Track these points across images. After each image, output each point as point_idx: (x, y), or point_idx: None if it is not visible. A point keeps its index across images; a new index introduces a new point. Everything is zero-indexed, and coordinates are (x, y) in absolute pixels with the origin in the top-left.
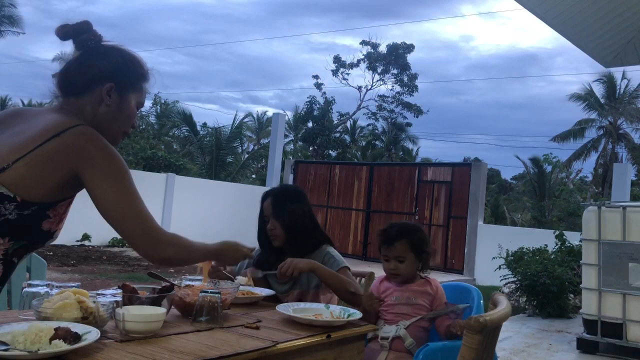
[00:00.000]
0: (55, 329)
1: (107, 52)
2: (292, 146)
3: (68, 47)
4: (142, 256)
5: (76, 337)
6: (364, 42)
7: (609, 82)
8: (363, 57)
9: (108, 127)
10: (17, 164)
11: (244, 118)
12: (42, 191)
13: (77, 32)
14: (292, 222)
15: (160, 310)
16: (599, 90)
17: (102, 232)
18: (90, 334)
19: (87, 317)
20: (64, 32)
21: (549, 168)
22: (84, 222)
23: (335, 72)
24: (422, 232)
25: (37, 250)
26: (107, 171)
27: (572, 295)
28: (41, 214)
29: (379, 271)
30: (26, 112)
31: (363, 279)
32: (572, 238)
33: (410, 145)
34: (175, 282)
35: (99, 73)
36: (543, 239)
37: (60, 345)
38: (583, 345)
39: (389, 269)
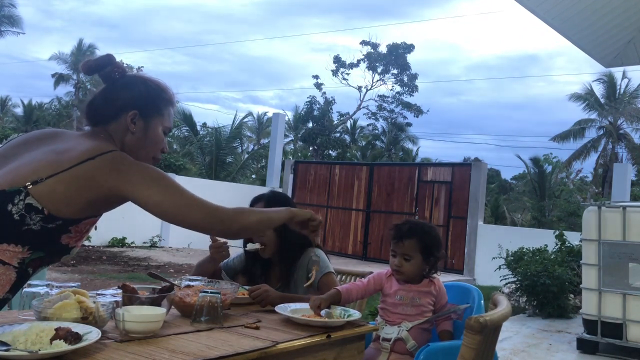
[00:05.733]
0: (56, 329)
1: (130, 82)
2: (292, 146)
3: (66, 47)
4: (223, 237)
5: (77, 337)
6: (364, 42)
7: (609, 82)
8: (363, 57)
9: (137, 153)
10: (50, 179)
11: (244, 118)
12: (70, 208)
13: (100, 65)
14: (284, 228)
15: (160, 310)
16: (599, 90)
17: (102, 232)
18: (91, 334)
19: (87, 317)
20: (88, 67)
21: (549, 168)
22: None
23: (335, 72)
24: (435, 234)
25: (52, 263)
26: (148, 180)
27: (572, 295)
28: (64, 228)
29: (378, 270)
30: (65, 134)
31: (362, 278)
32: (572, 238)
33: (410, 145)
34: (175, 282)
35: (124, 103)
36: (543, 239)
37: (61, 346)
38: (583, 345)
39: (393, 265)
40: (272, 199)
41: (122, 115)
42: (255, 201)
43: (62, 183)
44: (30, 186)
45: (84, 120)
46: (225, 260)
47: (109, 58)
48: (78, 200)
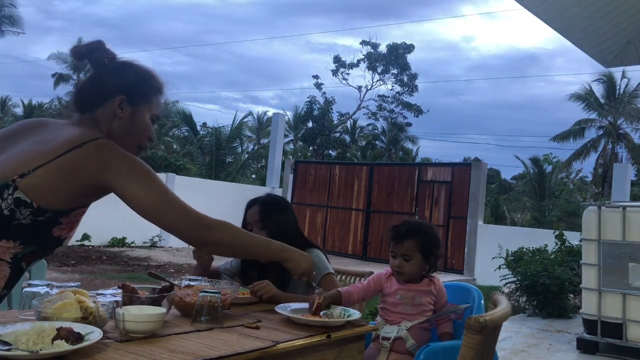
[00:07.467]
0: (58, 329)
1: (120, 68)
2: (292, 146)
3: (66, 47)
4: (191, 244)
5: (78, 337)
6: (364, 42)
7: (608, 82)
8: (363, 57)
9: (123, 140)
10: (37, 171)
11: (244, 118)
12: (58, 199)
13: (90, 51)
14: (278, 232)
15: (160, 310)
16: (598, 90)
17: (102, 232)
18: (93, 334)
19: (87, 317)
20: (78, 52)
21: (549, 168)
22: (84, 222)
23: (335, 72)
24: (433, 233)
25: (45, 257)
26: (133, 173)
27: (572, 295)
28: (54, 220)
29: (378, 271)
30: (50, 123)
31: (362, 278)
32: (572, 238)
33: (410, 145)
34: (175, 282)
35: (112, 88)
36: (543, 239)
37: (62, 346)
38: (583, 345)
39: (394, 265)
40: (266, 202)
41: (109, 101)
42: (250, 205)
43: (50, 174)
44: (19, 179)
45: (71, 107)
46: (223, 263)
47: (100, 44)
48: (66, 190)
